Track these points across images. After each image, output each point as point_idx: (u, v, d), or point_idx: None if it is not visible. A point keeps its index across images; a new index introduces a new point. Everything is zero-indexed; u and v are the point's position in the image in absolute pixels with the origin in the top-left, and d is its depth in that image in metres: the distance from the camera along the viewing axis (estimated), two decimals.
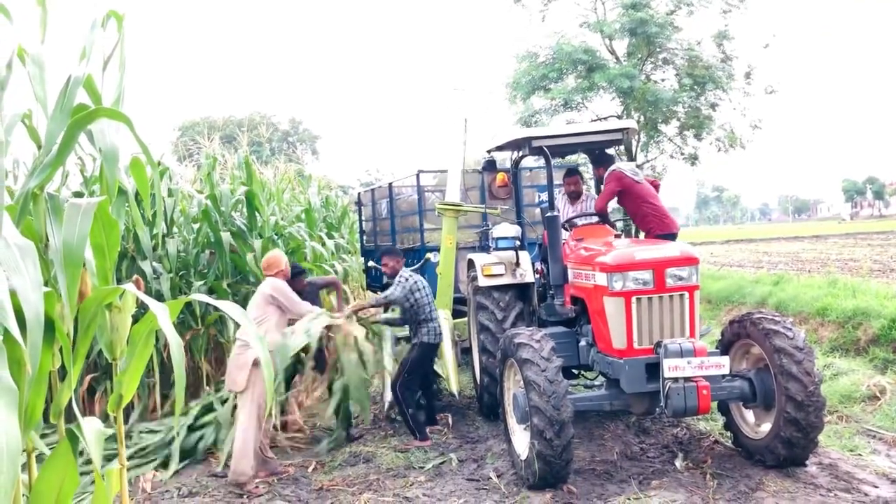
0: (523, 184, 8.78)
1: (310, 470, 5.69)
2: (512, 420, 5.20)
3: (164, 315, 2.24)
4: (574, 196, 6.82)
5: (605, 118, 16.06)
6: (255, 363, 5.33)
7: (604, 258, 5.08)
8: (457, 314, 7.90)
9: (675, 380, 4.44)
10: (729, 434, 5.41)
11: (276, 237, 8.74)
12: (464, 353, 8.00)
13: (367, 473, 5.46)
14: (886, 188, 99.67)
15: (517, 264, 6.39)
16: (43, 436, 3.70)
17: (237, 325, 6.51)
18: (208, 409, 6.38)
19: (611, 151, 7.03)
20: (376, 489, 5.12)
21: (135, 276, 3.09)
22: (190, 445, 6.03)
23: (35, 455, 2.30)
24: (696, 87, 15.61)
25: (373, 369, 6.35)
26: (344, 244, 13.03)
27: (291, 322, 5.98)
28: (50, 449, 2.29)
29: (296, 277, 6.52)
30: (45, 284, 2.12)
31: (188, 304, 7.05)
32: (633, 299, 4.82)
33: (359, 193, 13.17)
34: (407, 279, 6.29)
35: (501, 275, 6.39)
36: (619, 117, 15.73)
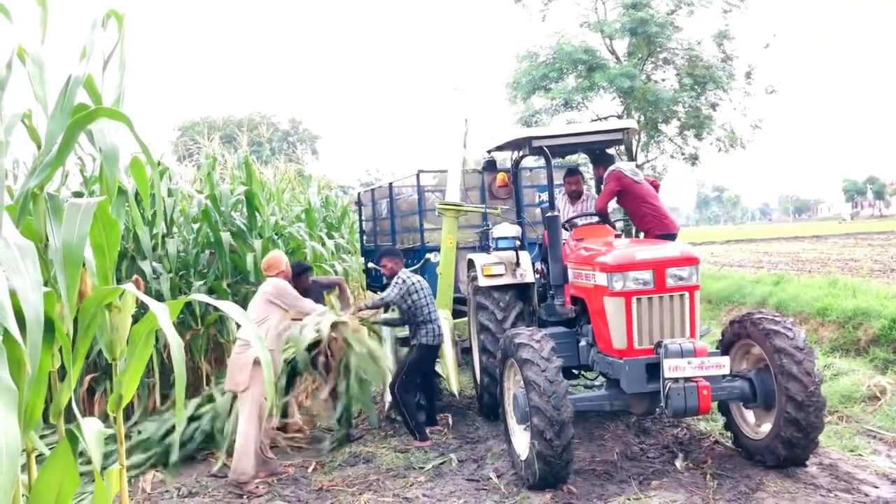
0: (523, 184, 8.78)
1: (310, 470, 5.69)
2: (512, 420, 5.19)
3: (163, 315, 2.23)
4: (574, 196, 6.82)
5: (605, 118, 16.05)
6: (256, 363, 5.33)
7: (604, 258, 5.08)
8: (457, 314, 7.90)
9: (676, 380, 4.43)
10: (729, 434, 5.41)
11: (276, 237, 8.74)
12: (464, 353, 8.00)
13: (367, 474, 5.46)
14: (887, 188, 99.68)
15: (517, 264, 6.39)
16: (43, 436, 3.69)
17: (238, 325, 6.50)
18: (209, 399, 6.38)
19: (611, 151, 7.03)
20: (376, 489, 5.12)
21: (135, 276, 3.10)
22: (187, 436, 6.02)
23: (35, 455, 2.30)
24: (696, 86, 15.60)
25: (382, 365, 6.36)
26: (344, 244, 13.04)
27: (293, 322, 5.98)
28: (50, 449, 2.29)
29: (301, 275, 6.52)
30: (45, 284, 2.12)
31: (188, 304, 7.05)
32: (634, 299, 4.82)
33: (359, 193, 13.17)
34: (404, 280, 6.28)
35: (501, 275, 6.38)
36: (620, 117, 15.73)
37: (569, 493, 4.66)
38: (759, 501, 4.38)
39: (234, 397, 5.76)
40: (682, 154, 17.07)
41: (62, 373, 2.30)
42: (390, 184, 10.13)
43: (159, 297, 6.88)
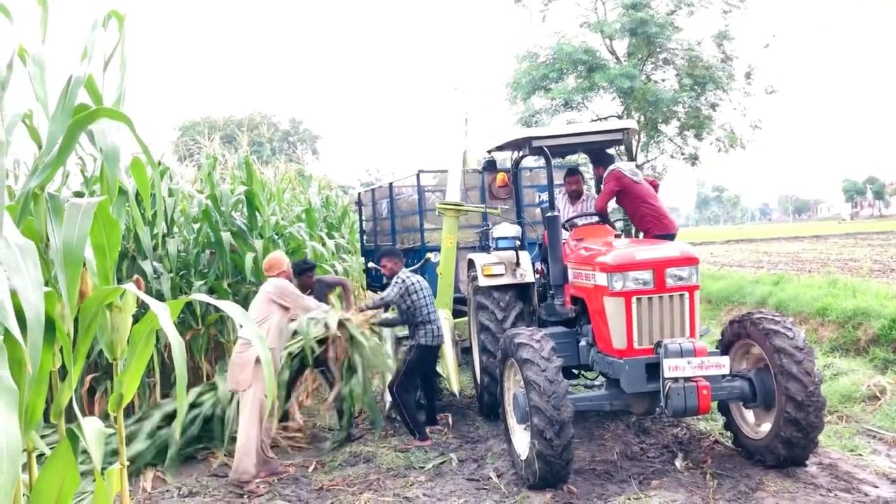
0: (523, 184, 8.78)
1: (310, 470, 5.69)
2: (512, 420, 5.20)
3: (164, 315, 2.24)
4: (574, 196, 6.82)
5: (605, 118, 16.07)
6: (257, 362, 5.33)
7: (604, 258, 5.08)
8: (457, 314, 7.90)
9: (676, 380, 4.44)
10: (729, 434, 5.41)
11: (276, 237, 8.73)
12: (464, 352, 8.00)
13: (367, 473, 5.47)
14: (886, 188, 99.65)
15: (517, 264, 6.39)
16: (43, 436, 3.70)
17: (240, 325, 6.50)
18: (212, 387, 6.38)
19: (611, 151, 7.04)
20: (376, 489, 5.12)
21: (135, 276, 3.10)
22: (186, 423, 6.01)
23: (35, 455, 2.30)
24: (696, 87, 15.62)
25: (389, 361, 6.37)
26: (344, 244, 13.02)
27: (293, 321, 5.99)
28: (50, 449, 2.29)
29: (305, 273, 6.52)
30: (46, 284, 2.13)
31: (188, 304, 7.05)
32: (634, 299, 4.82)
33: (359, 193, 13.17)
34: (403, 281, 6.28)
35: (501, 275, 6.39)
36: (620, 117, 15.74)
37: (569, 492, 4.66)
38: (758, 501, 4.38)
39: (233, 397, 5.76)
40: (682, 154, 17.09)
41: (63, 372, 2.30)
42: (390, 184, 10.13)
43: (160, 296, 6.88)
